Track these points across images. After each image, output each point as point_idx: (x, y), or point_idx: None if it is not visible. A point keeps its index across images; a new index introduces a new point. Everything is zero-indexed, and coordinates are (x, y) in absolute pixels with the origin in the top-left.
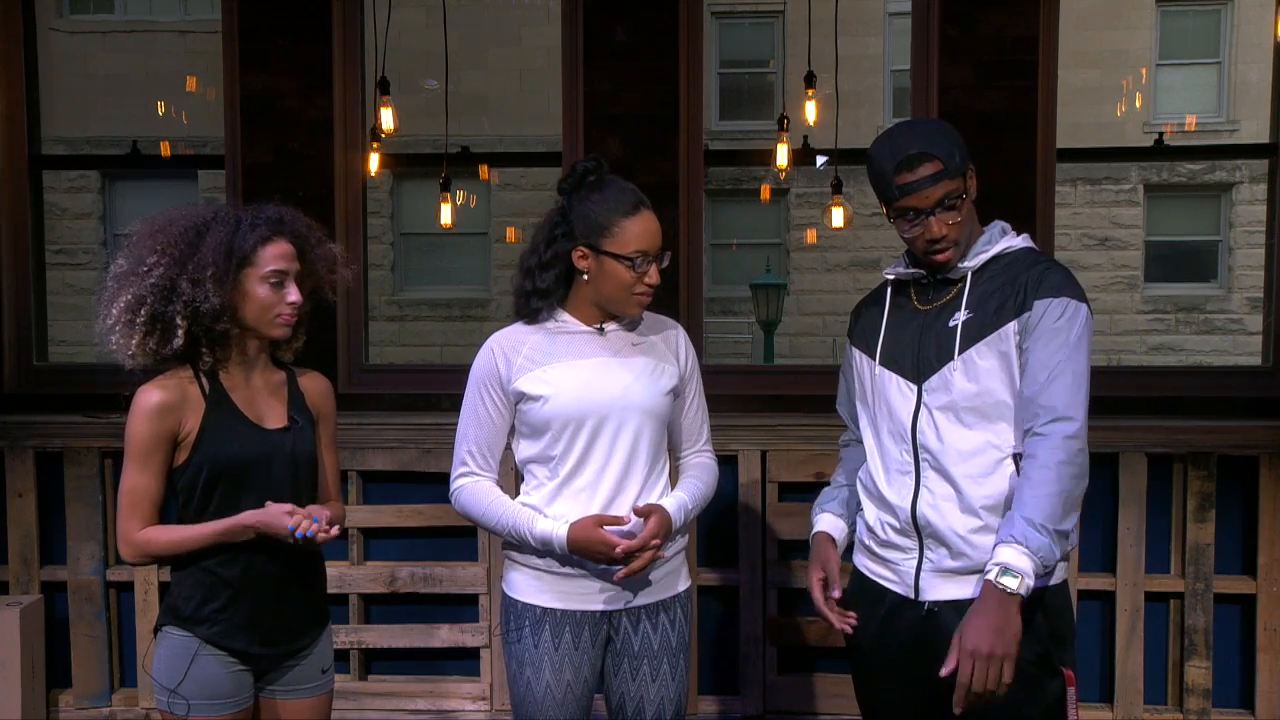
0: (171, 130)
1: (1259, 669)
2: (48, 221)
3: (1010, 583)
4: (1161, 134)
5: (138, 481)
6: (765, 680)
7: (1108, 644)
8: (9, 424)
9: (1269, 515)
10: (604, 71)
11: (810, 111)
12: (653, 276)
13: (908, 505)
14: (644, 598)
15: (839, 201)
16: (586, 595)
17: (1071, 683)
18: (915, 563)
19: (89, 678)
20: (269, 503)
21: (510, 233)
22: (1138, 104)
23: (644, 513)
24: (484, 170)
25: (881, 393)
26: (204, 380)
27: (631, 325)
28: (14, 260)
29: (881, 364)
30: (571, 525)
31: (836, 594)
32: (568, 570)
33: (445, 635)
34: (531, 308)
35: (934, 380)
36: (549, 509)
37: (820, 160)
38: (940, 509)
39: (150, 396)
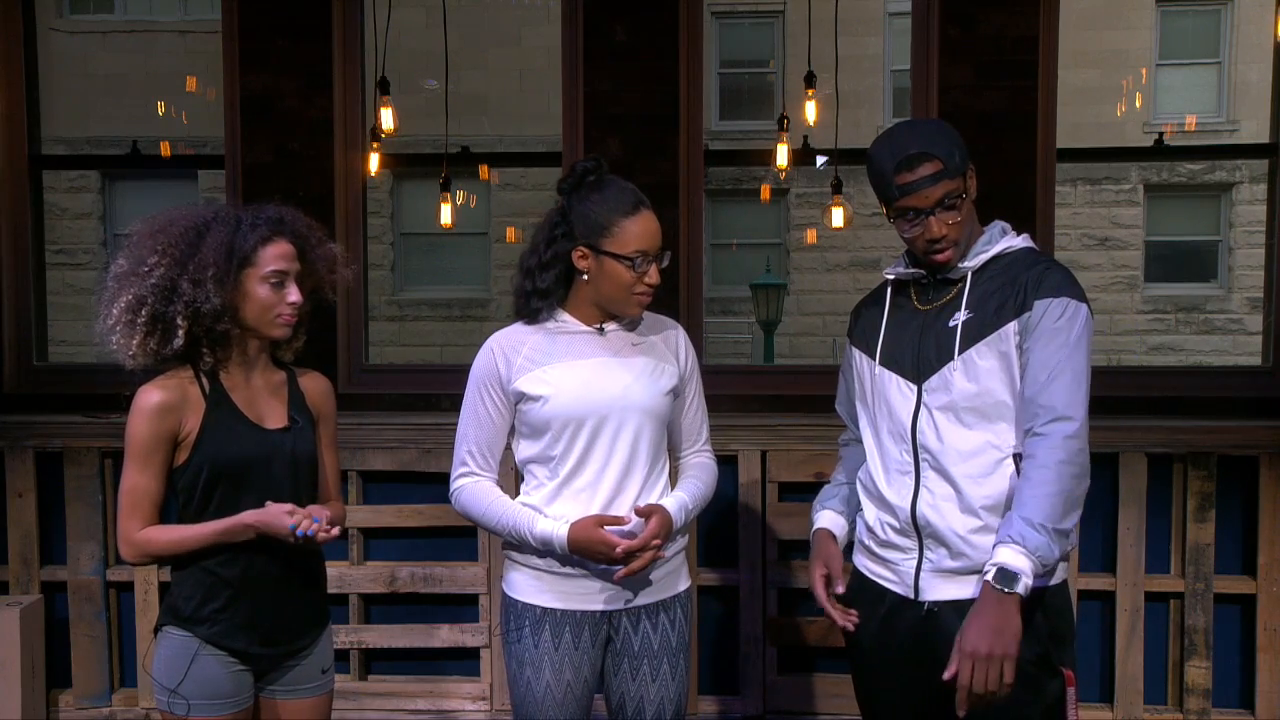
0: (171, 130)
1: (1259, 669)
2: (48, 221)
3: (1008, 583)
4: (1161, 134)
5: (138, 481)
6: (765, 680)
7: (1108, 644)
8: (9, 424)
9: (1269, 515)
10: (604, 71)
11: (810, 111)
12: (653, 276)
13: (907, 505)
14: (644, 598)
15: (839, 201)
16: (586, 595)
17: (1071, 683)
18: (915, 563)
19: (89, 678)
20: (269, 503)
21: (510, 233)
22: (1138, 104)
23: (645, 513)
24: (484, 170)
25: (881, 393)
26: (204, 380)
27: (631, 325)
28: (14, 260)
29: (881, 364)
30: (572, 525)
31: (840, 589)
32: (568, 570)
33: (445, 635)
34: (531, 308)
35: (934, 380)
36: (549, 509)
37: (820, 160)
38: (940, 509)
39: (150, 396)
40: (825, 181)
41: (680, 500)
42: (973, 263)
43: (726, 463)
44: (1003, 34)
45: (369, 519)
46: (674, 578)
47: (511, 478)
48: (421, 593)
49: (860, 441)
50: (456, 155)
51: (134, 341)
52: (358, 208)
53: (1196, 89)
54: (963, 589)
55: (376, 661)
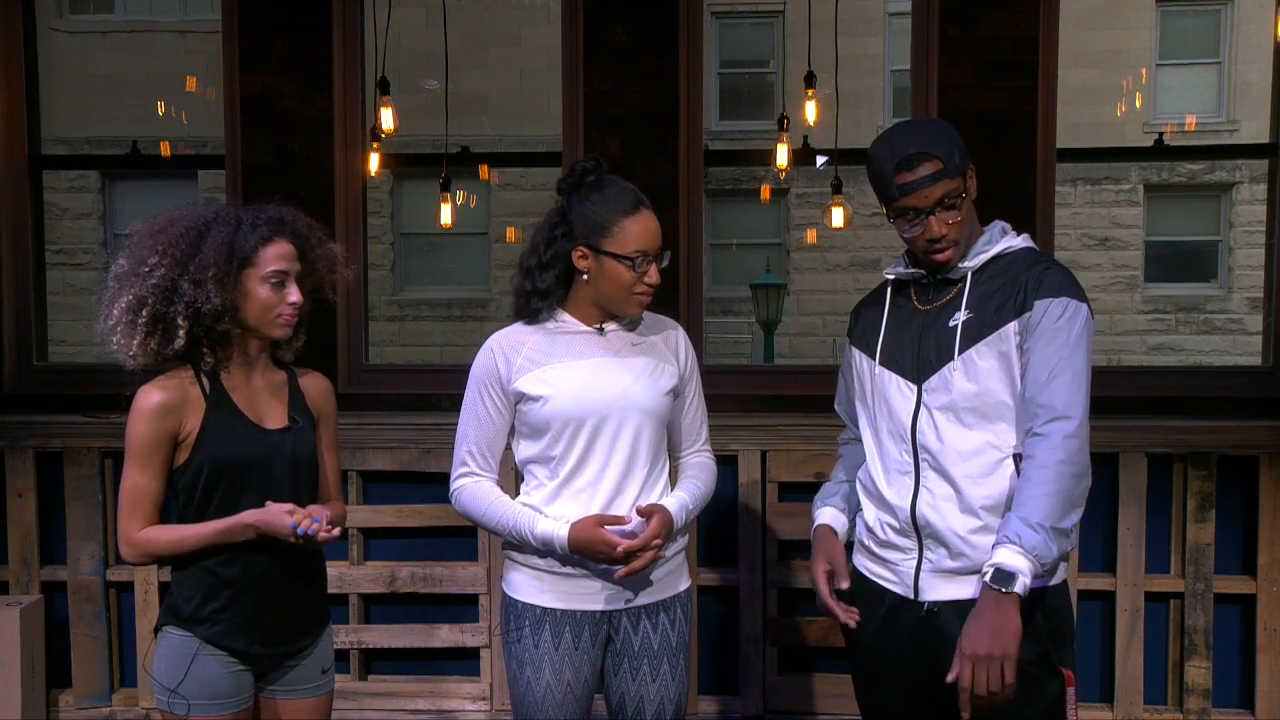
0: (171, 130)
1: (1259, 669)
2: (48, 221)
3: (1005, 583)
4: (1161, 134)
5: (138, 481)
6: (765, 680)
7: (1108, 644)
8: (9, 424)
9: (1269, 515)
10: (604, 71)
11: (810, 111)
12: (653, 276)
13: (907, 505)
14: (644, 598)
15: (839, 201)
16: (587, 595)
17: (1071, 683)
18: (915, 563)
19: (89, 678)
20: (269, 502)
21: (510, 233)
22: (1138, 104)
23: (647, 513)
24: (484, 170)
25: (881, 393)
26: (205, 380)
27: (631, 325)
28: (14, 260)
29: (881, 364)
30: (573, 525)
31: (844, 585)
32: (568, 570)
33: (445, 635)
34: (531, 308)
35: (934, 380)
36: (549, 509)
37: (820, 160)
38: (940, 509)
39: (151, 397)
40: (825, 181)
41: (681, 500)
42: (973, 263)
43: (726, 463)
44: (1003, 34)
45: (369, 519)
46: (674, 578)
47: (511, 478)
48: (421, 593)
49: (859, 440)
50: (456, 155)
51: (135, 342)
52: (358, 208)
53: (1196, 89)
54: (962, 589)
55: (376, 661)
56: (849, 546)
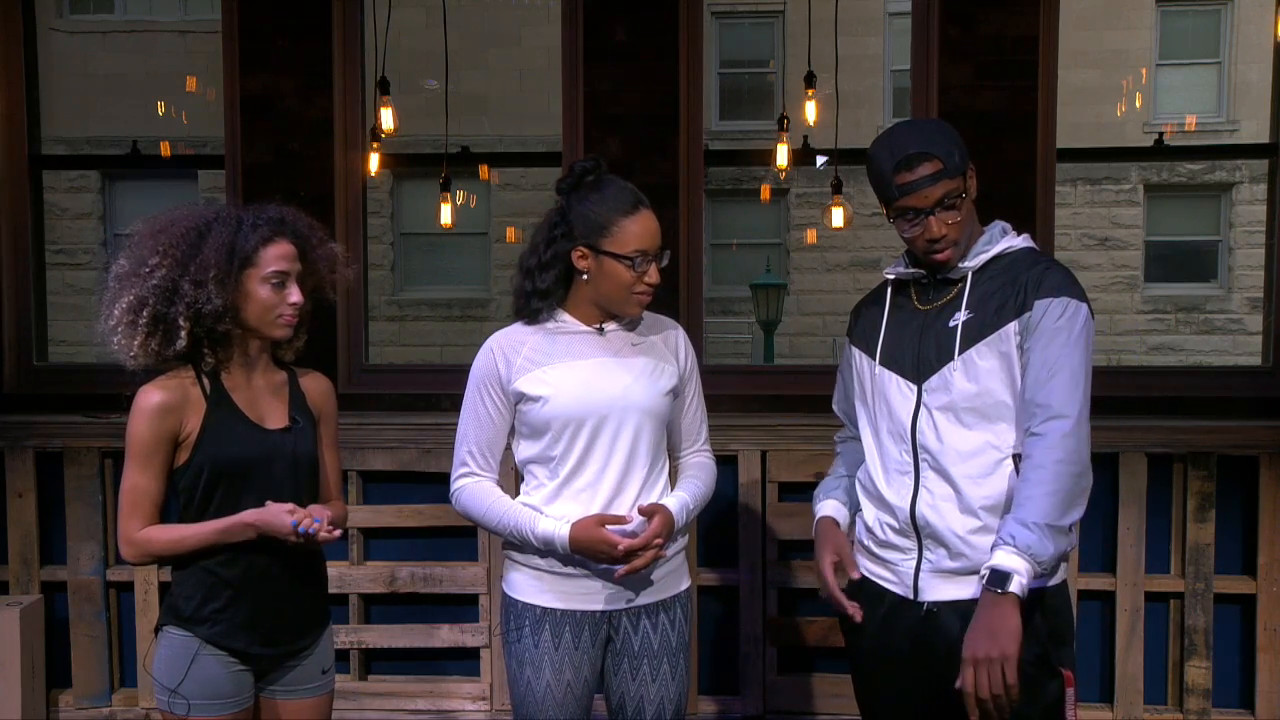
0: (171, 130)
1: (1259, 669)
2: (48, 221)
3: (1001, 583)
4: (1161, 134)
5: (138, 481)
6: (765, 680)
7: (1108, 644)
8: (9, 424)
9: (1269, 515)
10: (604, 71)
11: (810, 111)
12: (652, 276)
13: (907, 505)
14: (644, 597)
15: (839, 201)
16: (587, 595)
17: (1070, 683)
18: (914, 563)
19: (89, 678)
20: (269, 502)
21: (510, 233)
22: (1138, 104)
23: (648, 512)
24: (484, 170)
25: (881, 392)
26: (205, 381)
27: (631, 325)
28: (14, 260)
29: (881, 364)
30: (574, 525)
31: (855, 575)
32: (568, 570)
33: (445, 635)
34: (531, 308)
35: (934, 380)
36: (549, 509)
37: (820, 160)
38: (939, 509)
39: (151, 397)
40: (825, 181)
41: (681, 500)
42: (973, 263)
43: (726, 463)
44: (1003, 34)
45: (369, 519)
46: (674, 578)
47: (511, 478)
48: (421, 593)
49: (857, 439)
50: (456, 155)
51: (135, 342)
52: (358, 208)
53: (1196, 89)
54: (962, 589)
55: (376, 661)
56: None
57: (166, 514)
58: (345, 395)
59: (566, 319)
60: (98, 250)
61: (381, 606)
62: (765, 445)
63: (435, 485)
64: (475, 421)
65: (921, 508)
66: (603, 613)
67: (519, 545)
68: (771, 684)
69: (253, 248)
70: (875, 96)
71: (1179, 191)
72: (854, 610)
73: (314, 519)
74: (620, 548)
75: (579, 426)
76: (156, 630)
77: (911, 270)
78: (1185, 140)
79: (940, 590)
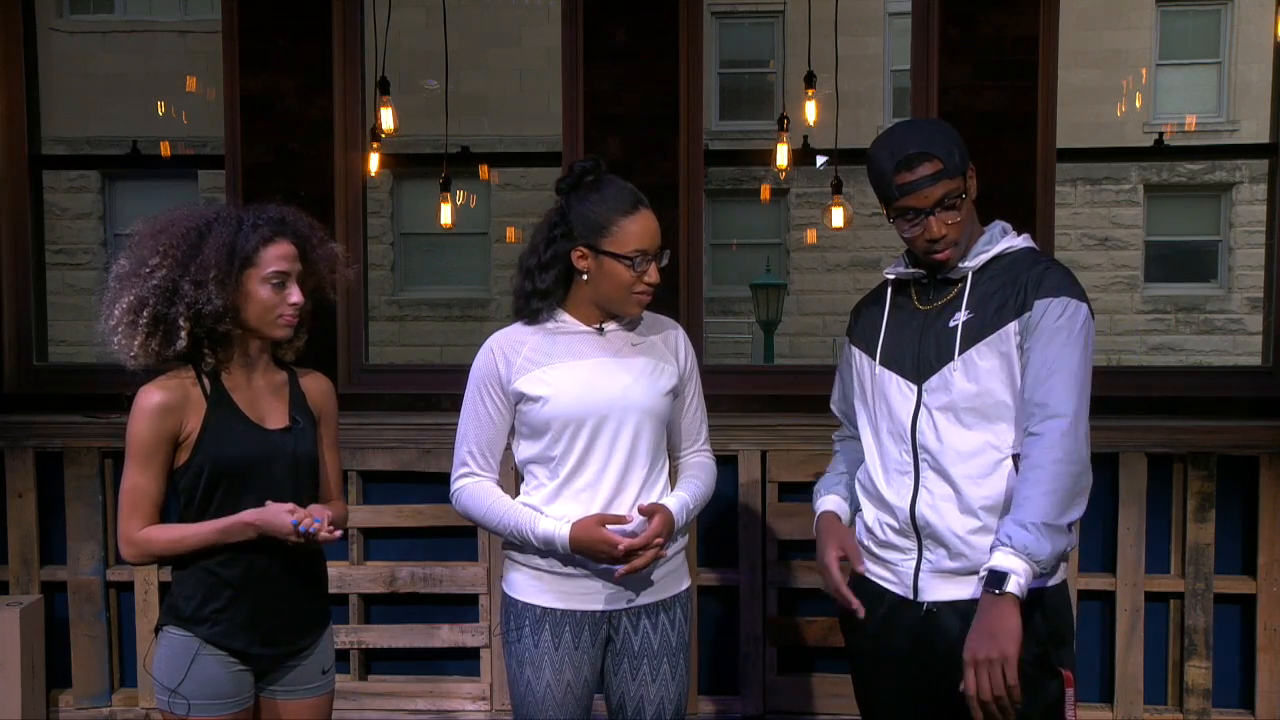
0: (171, 130)
1: (1259, 669)
2: (48, 221)
3: (998, 584)
4: (1161, 134)
5: (138, 481)
6: (765, 680)
7: (1108, 644)
8: (9, 424)
9: (1269, 515)
10: (604, 71)
11: (810, 111)
12: (652, 275)
13: (907, 505)
14: (644, 597)
15: (839, 201)
16: (587, 595)
17: (1070, 683)
18: (914, 563)
19: (89, 678)
20: (269, 502)
21: (510, 233)
22: (1138, 104)
23: (649, 512)
24: (484, 170)
25: (881, 392)
26: (205, 381)
27: (631, 325)
28: (14, 260)
29: (881, 364)
30: (574, 524)
31: (862, 569)
32: (568, 570)
33: (445, 635)
34: (531, 308)
35: (934, 380)
36: (549, 509)
37: (820, 160)
38: (939, 509)
39: (151, 397)
40: (825, 181)
41: (682, 500)
42: (973, 263)
43: (726, 463)
44: (1003, 34)
45: (369, 519)
46: (674, 578)
47: (512, 478)
48: (421, 593)
49: (856, 438)
50: (456, 155)
51: (136, 342)
52: (358, 208)
53: (1196, 89)
54: (962, 589)
55: (376, 661)
56: None
57: (166, 514)
58: (345, 395)
59: (566, 319)
60: (98, 250)
61: (381, 606)
62: (765, 445)
63: (435, 485)
64: (475, 421)
65: (921, 508)
66: (603, 613)
67: (519, 545)
68: (771, 684)
69: (253, 248)
70: (875, 96)
71: (1179, 191)
72: (858, 605)
73: (314, 519)
74: (620, 547)
75: (579, 426)
76: (156, 630)
77: (911, 270)
78: (1185, 140)
79: (940, 590)
